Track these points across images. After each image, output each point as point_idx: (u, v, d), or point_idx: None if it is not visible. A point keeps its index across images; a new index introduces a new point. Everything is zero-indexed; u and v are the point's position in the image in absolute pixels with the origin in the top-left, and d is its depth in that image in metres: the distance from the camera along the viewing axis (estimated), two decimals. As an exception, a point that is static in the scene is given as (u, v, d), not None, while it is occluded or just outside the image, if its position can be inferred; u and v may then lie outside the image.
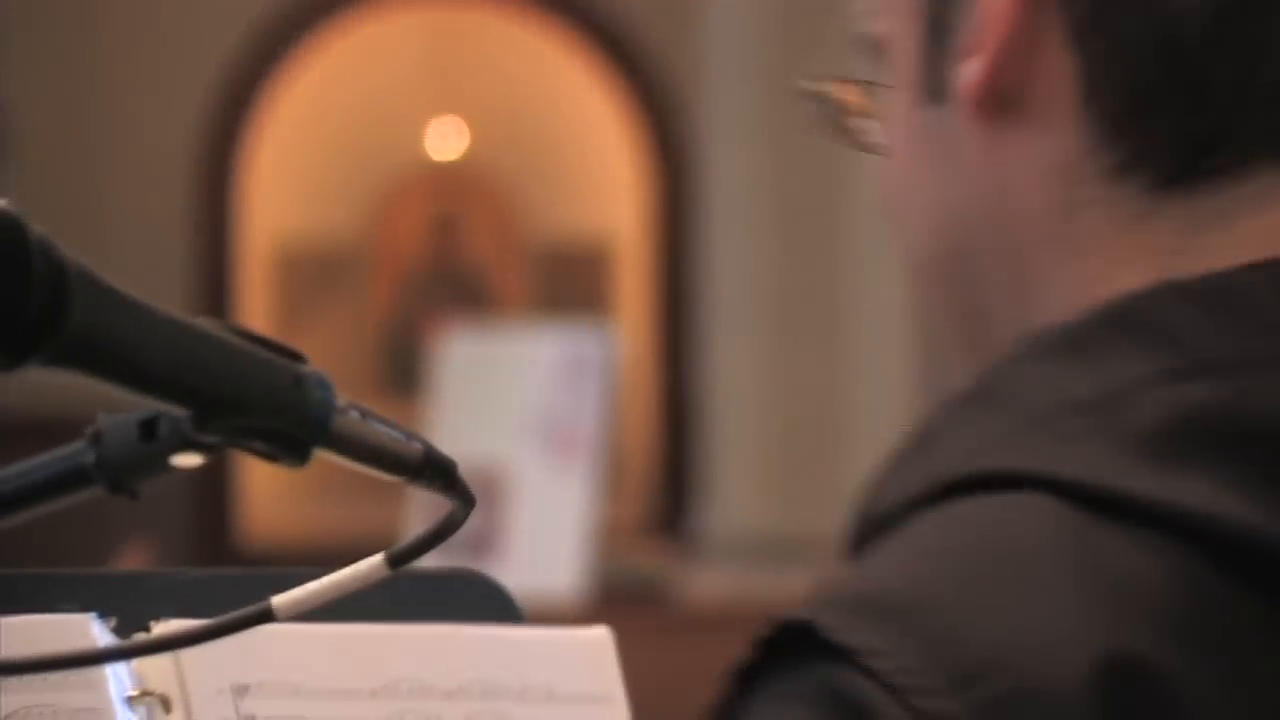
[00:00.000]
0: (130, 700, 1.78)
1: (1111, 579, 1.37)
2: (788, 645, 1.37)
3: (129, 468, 1.47)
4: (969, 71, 1.50)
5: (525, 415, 10.42)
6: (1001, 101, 1.49)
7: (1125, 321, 1.44)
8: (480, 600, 1.88)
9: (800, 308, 12.00)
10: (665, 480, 15.28)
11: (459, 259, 16.53)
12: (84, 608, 1.78)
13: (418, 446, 1.54)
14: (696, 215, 13.63)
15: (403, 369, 15.36)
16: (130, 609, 1.80)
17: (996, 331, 1.52)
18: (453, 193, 16.51)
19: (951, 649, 1.35)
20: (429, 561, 1.55)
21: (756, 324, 12.18)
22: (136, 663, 1.79)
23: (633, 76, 16.09)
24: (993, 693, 1.34)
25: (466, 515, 1.52)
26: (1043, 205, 1.49)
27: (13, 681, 1.73)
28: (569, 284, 16.21)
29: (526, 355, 10.81)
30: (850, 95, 1.60)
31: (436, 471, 1.54)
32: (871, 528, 1.45)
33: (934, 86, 1.52)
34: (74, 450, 1.48)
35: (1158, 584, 1.37)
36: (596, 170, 16.35)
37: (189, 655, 1.77)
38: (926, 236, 1.54)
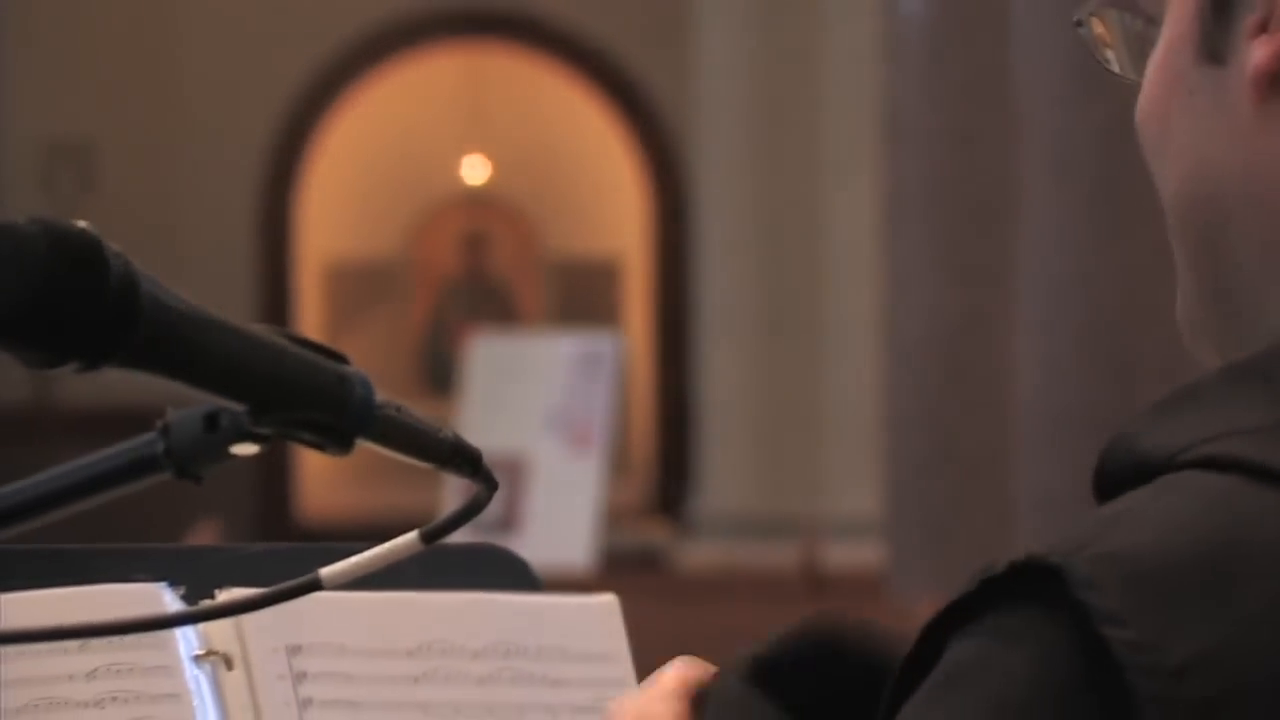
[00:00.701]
0: (197, 659, 1.77)
1: None
2: (1030, 581, 1.31)
3: (194, 456, 1.46)
4: (1260, 50, 1.43)
5: (543, 410, 10.40)
6: (1204, 49, 1.44)
7: None
8: (503, 571, 1.87)
9: (781, 318, 11.99)
10: (664, 467, 15.26)
11: (486, 274, 16.51)
12: (156, 578, 1.77)
13: (447, 438, 1.53)
14: (691, 237, 13.63)
15: (437, 370, 15.36)
16: (197, 579, 1.79)
17: (1245, 286, 1.44)
18: (481, 216, 16.49)
19: (1186, 634, 1.29)
20: (458, 538, 1.54)
21: (743, 332, 12.17)
22: (203, 626, 1.79)
23: (637, 118, 16.07)
24: (1210, 690, 1.28)
25: (490, 498, 1.51)
26: (1247, 154, 1.42)
27: (95, 642, 1.73)
28: (581, 296, 16.19)
29: (544, 358, 10.79)
30: (1106, 29, 1.51)
31: (464, 460, 1.53)
32: (1130, 470, 1.37)
33: (1212, 49, 1.45)
34: (145, 440, 1.47)
35: None
36: (605, 198, 16.33)
37: (248, 619, 1.76)
38: (1178, 180, 1.46)
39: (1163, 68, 1.47)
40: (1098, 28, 1.51)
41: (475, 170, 16.46)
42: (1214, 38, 1.45)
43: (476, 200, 16.50)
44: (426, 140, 16.30)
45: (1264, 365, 1.38)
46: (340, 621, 1.82)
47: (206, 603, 1.74)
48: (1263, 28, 1.43)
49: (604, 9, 15.83)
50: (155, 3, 15.99)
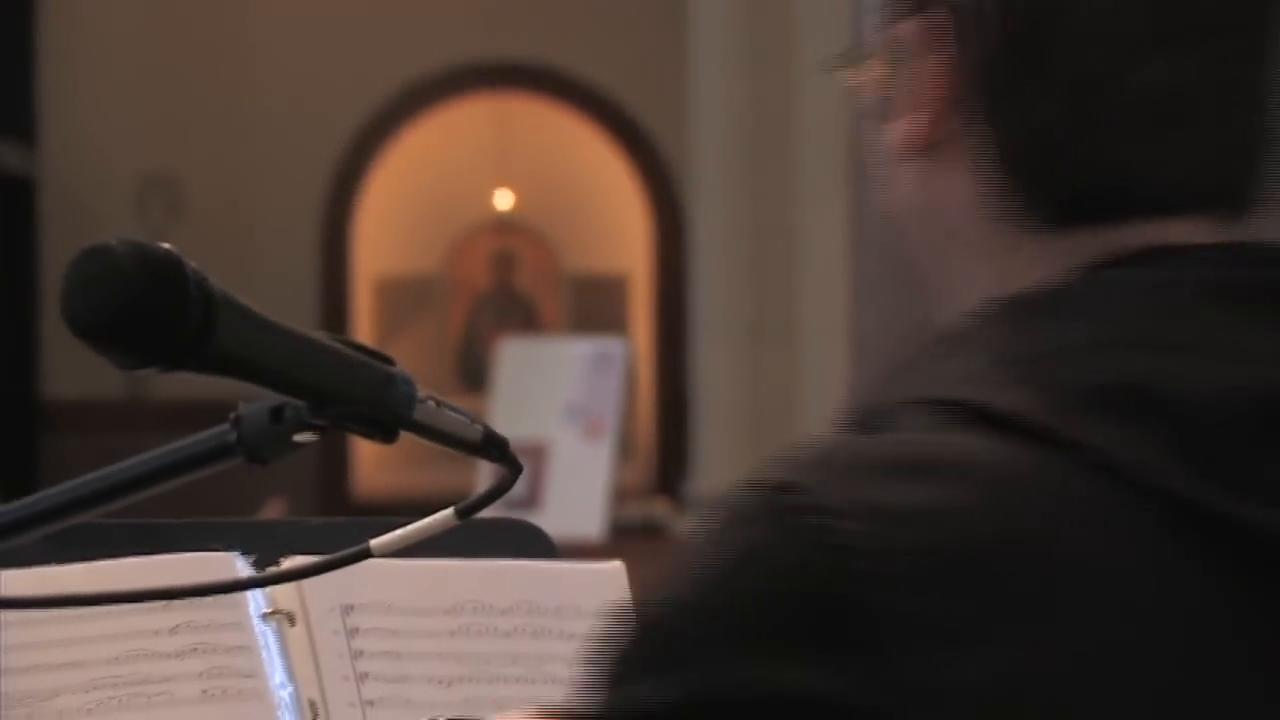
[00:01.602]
0: (264, 616, 1.77)
1: (1014, 486, 1.31)
2: (754, 489, 1.36)
3: (262, 444, 1.46)
4: (905, 125, 1.46)
5: (562, 404, 10.40)
6: (927, 147, 1.45)
7: (1058, 299, 1.38)
8: (526, 542, 1.87)
9: (763, 324, 11.99)
10: (664, 453, 15.25)
11: (513, 288, 16.51)
12: (231, 548, 1.77)
13: (479, 428, 1.53)
14: (687, 256, 13.63)
15: (472, 370, 15.36)
16: (266, 548, 1.79)
17: (933, 295, 1.48)
18: (508, 239, 16.49)
19: (873, 504, 1.31)
20: (489, 513, 1.54)
21: (731, 337, 12.17)
22: (269, 588, 1.79)
23: (639, 154, 16.08)
24: (896, 537, 1.30)
25: (515, 479, 1.51)
26: (961, 224, 1.45)
27: (177, 602, 1.72)
28: (594, 306, 16.20)
29: (563, 359, 10.80)
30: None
31: (493, 447, 1.53)
32: (868, 415, 1.39)
33: (891, 121, 1.48)
34: (220, 430, 1.47)
35: (1055, 493, 1.31)
36: (614, 222, 16.34)
37: (308, 582, 1.76)
38: (896, 224, 1.50)
39: (874, 126, 1.50)
40: (855, 77, 1.54)
41: (503, 200, 16.46)
42: (889, 108, 1.48)
43: (504, 225, 16.50)
44: (462, 174, 16.32)
45: (959, 332, 1.41)
46: (387, 584, 1.82)
47: (273, 569, 1.74)
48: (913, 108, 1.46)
49: (610, 62, 15.84)
50: (234, 56, 16.00)
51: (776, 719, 1.28)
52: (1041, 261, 1.42)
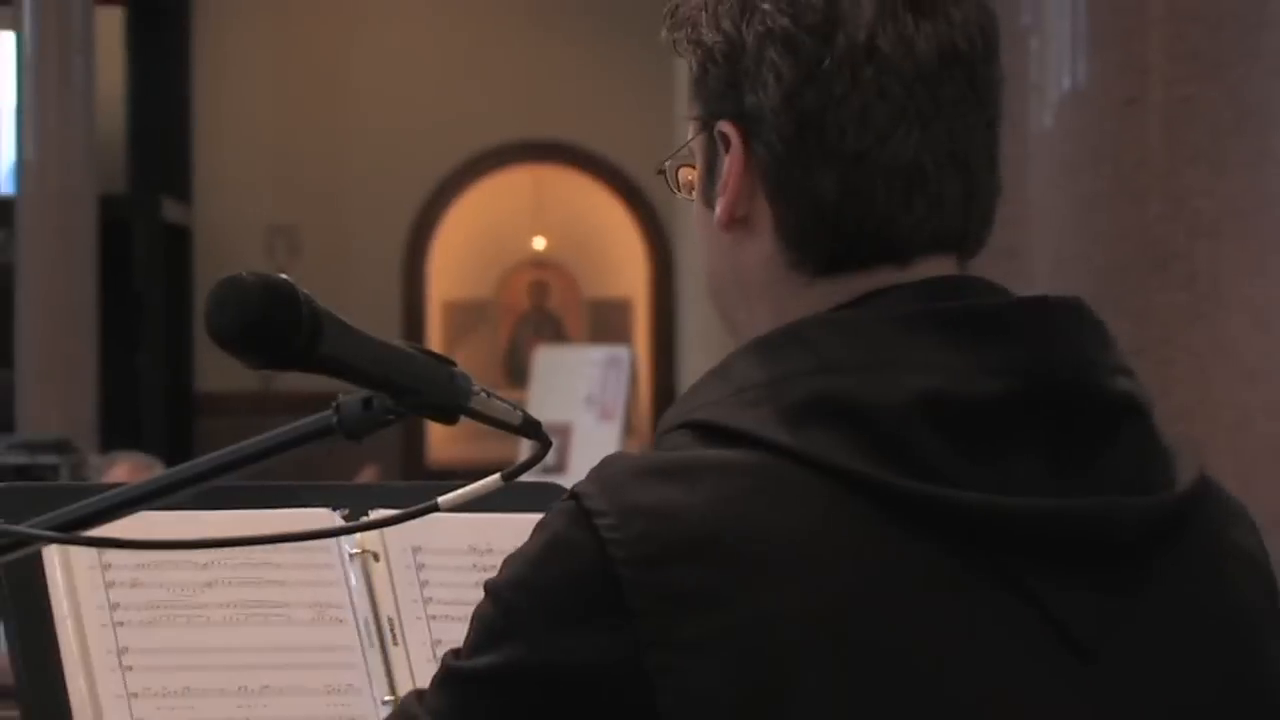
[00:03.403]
0: (351, 556, 1.76)
1: (736, 483, 1.32)
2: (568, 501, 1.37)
3: (356, 425, 1.46)
4: (720, 205, 1.45)
5: (582, 396, 10.42)
6: (735, 223, 1.44)
7: (790, 337, 1.38)
8: (555, 500, 1.86)
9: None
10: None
11: (546, 310, 16.54)
12: (331, 506, 1.76)
13: (520, 413, 1.53)
14: (676, 284, 13.65)
15: (515, 370, 15.36)
16: (359, 503, 1.78)
17: (739, 335, 1.48)
18: (543, 272, 16.52)
19: (627, 504, 1.32)
20: (527, 478, 1.53)
21: (710, 345, 12.15)
22: (358, 535, 1.78)
23: (639, 208, 16.11)
24: (641, 528, 1.31)
25: (546, 452, 1.50)
26: (761, 279, 1.44)
27: (285, 546, 1.71)
28: (606, 322, 16.23)
29: (583, 362, 10.82)
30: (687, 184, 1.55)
31: (530, 427, 1.53)
32: (658, 435, 1.40)
33: (709, 201, 1.47)
34: (324, 415, 1.47)
35: (769, 486, 1.32)
36: (621, 260, 16.38)
37: (389, 530, 1.75)
38: (710, 284, 1.50)
39: (696, 206, 1.49)
40: (683, 176, 1.53)
41: (539, 243, 16.51)
42: (707, 194, 1.46)
43: (540, 262, 16.53)
44: (508, 224, 16.37)
45: (721, 366, 1.42)
46: (449, 531, 1.81)
47: (363, 520, 1.73)
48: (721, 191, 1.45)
49: (616, 137, 15.88)
50: (339, 131, 16.03)
51: (570, 683, 1.30)
52: (809, 303, 1.41)
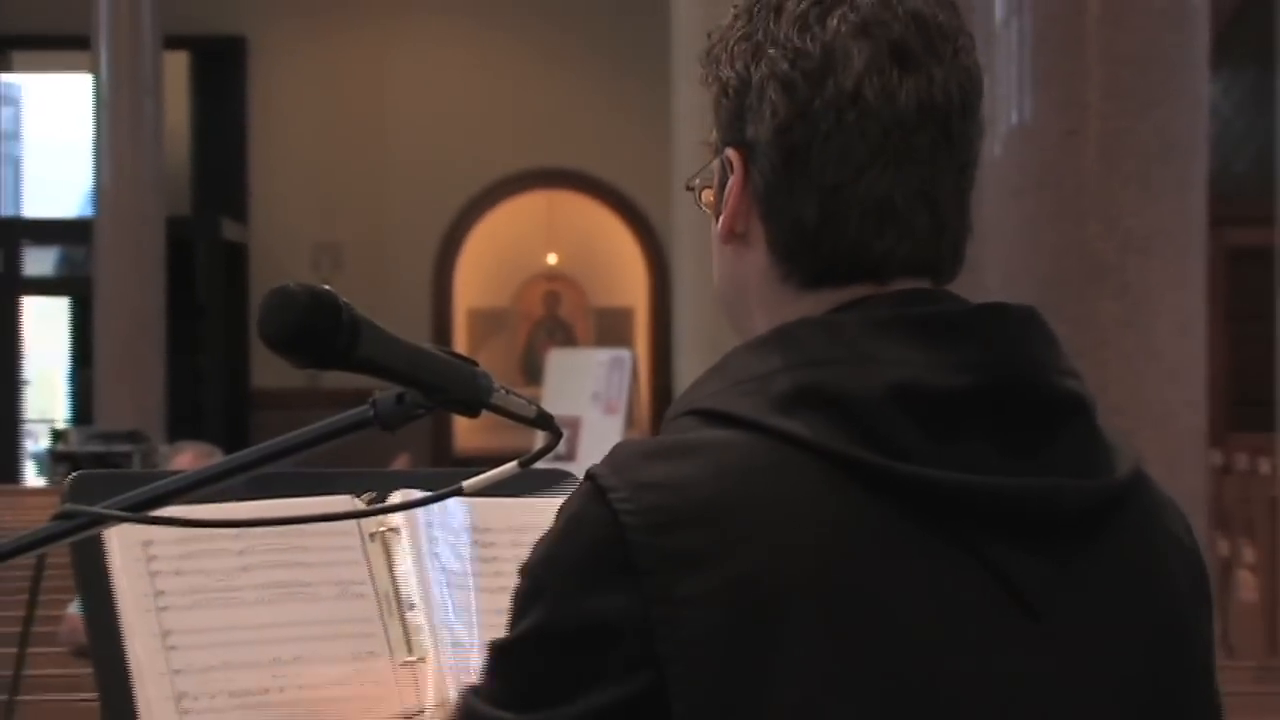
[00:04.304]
0: (373, 535, 1.74)
1: (733, 460, 1.32)
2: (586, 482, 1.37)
3: (390, 418, 1.45)
4: (722, 220, 1.45)
5: (590, 392, 10.43)
6: (735, 236, 1.45)
7: (780, 338, 1.39)
8: (564, 484, 1.85)
9: (721, 340, 11.98)
10: (656, 425, 15.20)
11: (559, 317, 16.53)
12: (369, 489, 1.74)
13: (534, 408, 1.52)
14: (671, 294, 13.65)
15: (532, 370, 15.35)
16: (389, 487, 1.76)
17: (740, 335, 1.48)
18: (555, 284, 16.51)
19: (637, 480, 1.32)
20: (541, 465, 1.53)
21: (701, 347, 12.15)
22: (386, 515, 1.76)
23: (639, 227, 16.12)
24: (651, 500, 1.31)
25: (558, 442, 1.49)
26: (757, 288, 1.45)
27: (311, 531, 1.70)
28: (611, 328, 16.22)
29: (591, 363, 10.83)
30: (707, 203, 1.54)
31: (543, 420, 1.52)
32: (665, 422, 1.41)
33: (718, 214, 1.47)
34: (362, 409, 1.46)
35: (761, 463, 1.33)
36: (623, 272, 16.38)
37: (415, 510, 1.73)
38: (718, 291, 1.50)
39: (712, 221, 1.49)
40: (705, 196, 1.52)
41: (551, 258, 16.50)
42: (719, 211, 1.46)
43: (552, 275, 16.53)
44: (525, 240, 16.36)
45: (720, 363, 1.42)
46: (470, 511, 1.80)
47: (388, 502, 1.71)
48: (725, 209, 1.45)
49: (619, 165, 15.90)
50: (376, 159, 16.04)
51: (592, 638, 1.30)
52: (799, 311, 1.41)
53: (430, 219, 16.06)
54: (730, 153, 1.43)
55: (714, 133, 1.46)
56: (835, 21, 1.39)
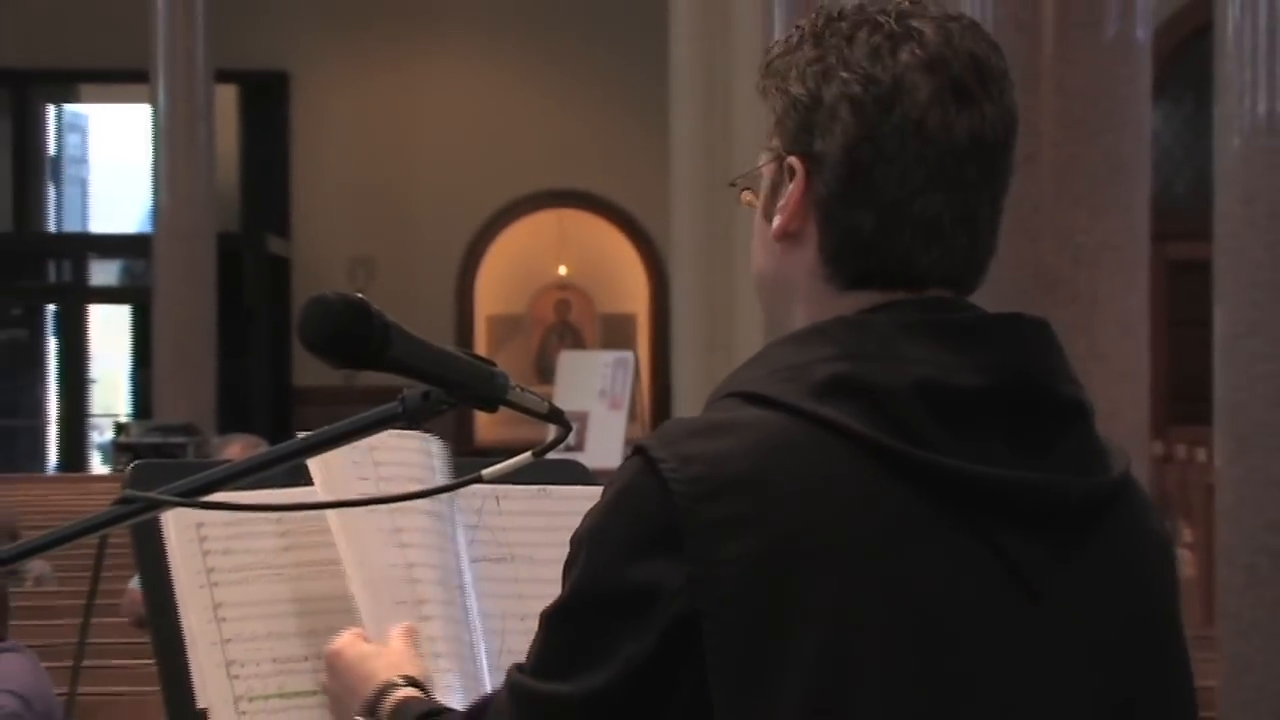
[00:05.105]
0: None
1: (771, 438, 1.32)
2: (636, 453, 1.35)
3: (417, 413, 1.44)
4: (778, 220, 1.44)
5: (596, 389, 10.42)
6: (788, 236, 1.43)
7: (817, 332, 1.38)
8: (574, 473, 1.84)
9: (714, 342, 11.97)
10: (655, 419, 15.22)
11: (569, 322, 16.52)
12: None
13: (546, 403, 1.51)
14: (669, 302, 13.64)
15: (545, 370, 15.34)
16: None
17: (780, 327, 1.47)
18: (566, 292, 16.50)
19: (683, 453, 1.31)
20: (551, 456, 1.52)
21: (695, 349, 12.16)
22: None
23: (641, 242, 16.11)
24: (696, 471, 1.30)
25: (567, 434, 1.49)
26: (802, 284, 1.43)
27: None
28: (616, 333, 16.20)
29: (597, 363, 10.83)
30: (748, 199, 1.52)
31: (555, 415, 1.51)
32: (710, 402, 1.40)
33: (768, 214, 1.45)
34: (391, 405, 1.45)
35: (797, 441, 1.32)
36: (626, 283, 16.37)
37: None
38: (759, 282, 1.48)
39: (757, 218, 1.47)
40: (744, 196, 1.51)
41: (562, 270, 16.49)
42: (769, 210, 1.45)
43: (563, 285, 16.52)
44: (538, 254, 16.35)
45: (761, 353, 1.41)
46: (486, 495, 1.79)
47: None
48: (781, 211, 1.44)
49: (623, 186, 15.90)
50: (405, 179, 16.04)
51: (635, 600, 1.29)
52: (837, 308, 1.41)
53: (454, 235, 16.06)
54: (794, 160, 1.42)
55: (773, 139, 1.45)
56: (905, 55, 1.39)
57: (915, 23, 1.40)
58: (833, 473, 1.31)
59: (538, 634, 1.34)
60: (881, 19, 1.41)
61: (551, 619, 1.33)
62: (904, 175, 1.39)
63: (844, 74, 1.40)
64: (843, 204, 1.40)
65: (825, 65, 1.41)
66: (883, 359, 1.35)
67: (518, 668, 1.35)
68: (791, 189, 1.42)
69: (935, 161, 1.39)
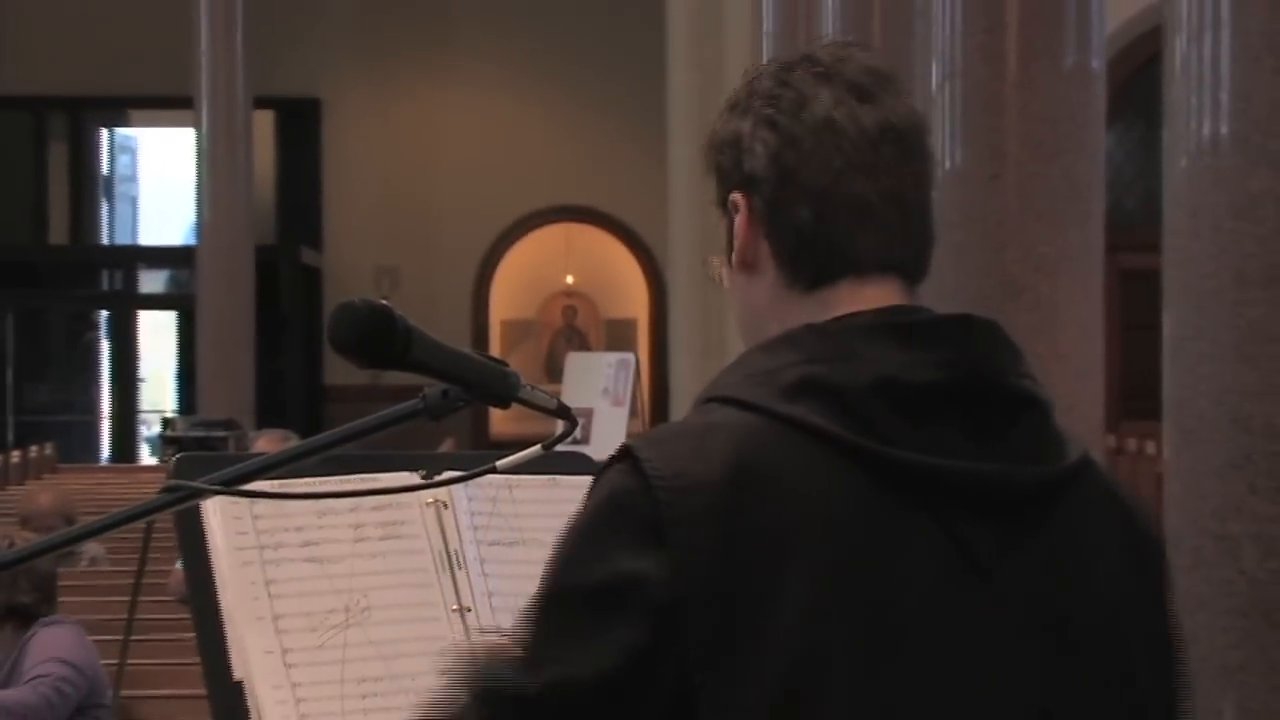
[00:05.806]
0: (428, 504, 1.73)
1: (746, 437, 1.31)
2: (620, 456, 1.33)
3: (437, 409, 1.44)
4: (735, 250, 1.43)
5: (600, 388, 10.40)
6: (747, 265, 1.43)
7: (786, 339, 1.38)
8: (581, 464, 1.83)
9: (707, 347, 11.96)
10: (655, 416, 15.24)
11: (576, 327, 16.52)
12: (416, 469, 1.72)
13: (555, 400, 1.50)
14: (667, 309, 13.64)
15: (554, 370, 15.33)
16: (436, 467, 1.74)
17: (752, 343, 1.46)
18: (573, 299, 16.51)
19: (666, 452, 1.30)
20: (559, 449, 1.51)
21: (690, 352, 12.16)
22: (435, 489, 1.74)
23: (641, 252, 16.11)
24: (677, 468, 1.29)
25: (574, 429, 1.48)
26: (772, 303, 1.42)
27: (381, 501, 1.69)
28: (618, 336, 16.20)
29: (602, 364, 10.80)
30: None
31: (563, 411, 1.50)
32: (693, 407, 1.38)
33: (731, 263, 1.45)
34: (413, 402, 1.45)
35: (769, 440, 1.31)
36: (627, 290, 16.37)
37: (457, 486, 1.72)
38: (741, 328, 1.47)
39: (728, 275, 1.47)
40: (716, 264, 1.50)
41: (569, 279, 16.49)
42: (730, 257, 1.45)
43: (570, 292, 16.52)
44: (548, 264, 16.36)
45: (738, 360, 1.40)
46: (500, 487, 1.78)
47: (440, 477, 1.70)
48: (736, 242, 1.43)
49: (625, 201, 15.90)
50: (425, 196, 16.05)
51: (624, 594, 1.28)
52: (804, 313, 1.40)
53: (470, 246, 16.06)
54: (735, 196, 1.42)
55: (717, 193, 1.44)
56: (801, 73, 1.41)
57: (813, 53, 1.43)
58: (802, 468, 1.31)
59: (521, 621, 1.32)
60: (784, 61, 1.44)
61: (533, 612, 1.31)
62: (825, 164, 1.39)
63: (756, 104, 1.41)
64: (781, 206, 1.40)
65: (739, 109, 1.43)
66: (845, 360, 1.35)
67: (497, 660, 1.31)
68: (739, 221, 1.42)
69: (850, 148, 1.39)
